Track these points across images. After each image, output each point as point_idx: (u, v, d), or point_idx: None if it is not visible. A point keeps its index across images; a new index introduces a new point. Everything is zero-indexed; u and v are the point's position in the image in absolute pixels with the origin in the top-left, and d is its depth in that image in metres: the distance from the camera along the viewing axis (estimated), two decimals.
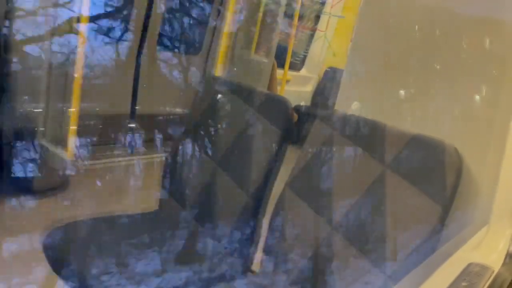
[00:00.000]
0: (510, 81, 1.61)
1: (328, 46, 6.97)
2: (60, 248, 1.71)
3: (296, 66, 7.06)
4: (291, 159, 1.97)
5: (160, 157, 2.17)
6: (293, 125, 2.09)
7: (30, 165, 2.32)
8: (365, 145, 1.70)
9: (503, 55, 1.69)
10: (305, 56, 7.27)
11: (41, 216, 1.79)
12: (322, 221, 1.68)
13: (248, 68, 5.00)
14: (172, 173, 2.20)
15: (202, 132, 2.21)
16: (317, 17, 7.04)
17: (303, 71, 7.29)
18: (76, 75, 2.95)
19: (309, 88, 7.28)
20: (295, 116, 2.41)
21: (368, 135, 1.72)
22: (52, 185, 2.28)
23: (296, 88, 6.83)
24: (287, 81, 6.24)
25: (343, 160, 1.78)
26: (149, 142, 3.74)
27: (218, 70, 4.55)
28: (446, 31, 1.86)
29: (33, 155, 2.45)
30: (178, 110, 4.52)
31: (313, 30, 6.97)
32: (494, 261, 1.11)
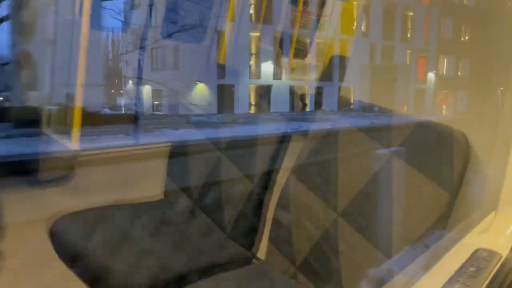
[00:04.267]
0: None
1: (334, 32, 6.91)
2: (67, 236, 1.72)
3: (300, 54, 6.99)
4: (296, 146, 1.96)
5: (165, 146, 2.16)
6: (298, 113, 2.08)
7: (36, 153, 2.32)
8: (372, 131, 1.68)
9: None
10: (310, 43, 7.22)
11: (48, 204, 1.79)
12: (328, 209, 1.67)
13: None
14: (176, 162, 2.20)
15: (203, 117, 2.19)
16: (322, 4, 6.97)
17: (308, 59, 7.25)
18: (79, 66, 2.94)
19: (314, 76, 7.24)
20: (300, 105, 2.39)
21: (374, 121, 1.70)
22: (57, 173, 2.28)
23: (301, 76, 6.79)
24: (292, 69, 6.20)
25: (349, 147, 1.77)
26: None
27: (222, 59, 4.52)
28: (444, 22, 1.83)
29: (37, 144, 2.45)
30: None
31: (318, 16, 6.89)
32: (502, 247, 1.10)
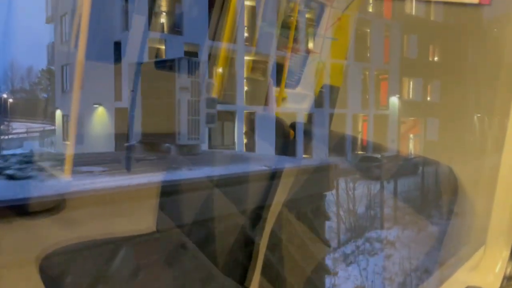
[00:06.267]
0: (503, 102, 1.64)
1: (323, 67, 7.05)
2: (57, 271, 1.70)
3: (291, 85, 7.12)
4: (289, 178, 1.98)
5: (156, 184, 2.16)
6: (290, 143, 2.11)
7: (27, 185, 2.30)
8: (362, 166, 1.71)
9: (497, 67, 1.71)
10: (300, 76, 7.37)
11: (38, 238, 1.77)
12: (320, 242, 1.68)
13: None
14: (168, 195, 2.20)
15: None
16: (312, 39, 7.18)
17: (299, 89, 7.36)
18: (73, 99, 2.98)
19: (305, 105, 7.34)
20: (292, 133, 2.43)
21: (364, 156, 1.74)
22: (48, 205, 2.26)
23: (292, 106, 6.89)
24: (283, 98, 6.30)
25: (340, 181, 1.79)
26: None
27: (216, 90, 4.58)
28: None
29: (30, 175, 2.44)
30: None
31: (308, 52, 7.08)
32: (491, 284, 1.11)
